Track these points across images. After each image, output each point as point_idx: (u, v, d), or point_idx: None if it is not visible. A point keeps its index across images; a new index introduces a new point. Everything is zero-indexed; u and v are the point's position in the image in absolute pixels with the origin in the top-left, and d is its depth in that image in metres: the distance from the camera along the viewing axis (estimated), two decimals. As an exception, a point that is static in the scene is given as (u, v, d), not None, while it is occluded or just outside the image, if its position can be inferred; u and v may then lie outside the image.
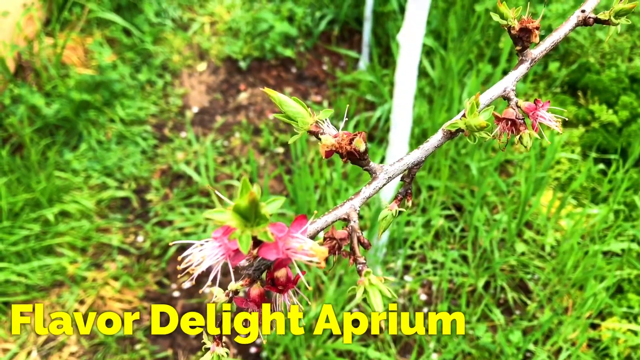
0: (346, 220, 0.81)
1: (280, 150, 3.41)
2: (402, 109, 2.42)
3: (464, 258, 2.87)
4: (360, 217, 2.89)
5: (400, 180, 0.86)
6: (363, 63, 3.74)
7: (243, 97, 3.70)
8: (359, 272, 0.76)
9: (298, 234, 0.71)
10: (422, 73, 3.56)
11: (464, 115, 0.83)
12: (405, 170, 0.84)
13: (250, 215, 0.67)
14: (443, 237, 2.93)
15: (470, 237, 2.87)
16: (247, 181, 0.67)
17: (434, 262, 2.85)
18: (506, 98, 0.88)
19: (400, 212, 0.86)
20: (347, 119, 3.33)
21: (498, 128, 0.87)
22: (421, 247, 2.89)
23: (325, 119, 0.83)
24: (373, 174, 0.83)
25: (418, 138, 3.16)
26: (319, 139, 0.82)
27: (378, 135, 3.33)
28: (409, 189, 0.86)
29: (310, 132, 0.82)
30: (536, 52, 0.91)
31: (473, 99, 0.82)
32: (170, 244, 0.91)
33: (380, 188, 0.83)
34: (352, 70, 3.79)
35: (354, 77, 3.67)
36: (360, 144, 0.81)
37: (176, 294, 2.77)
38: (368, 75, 3.55)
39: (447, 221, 2.98)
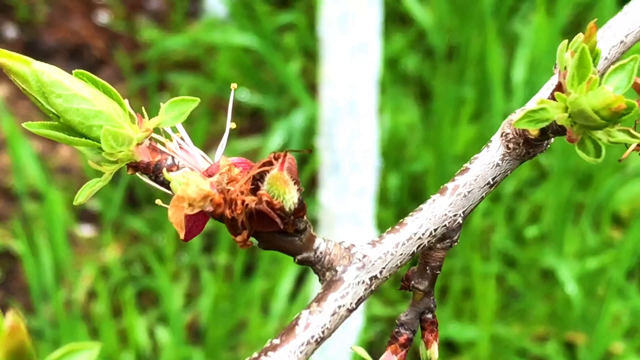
0: None
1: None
2: (352, 119, 1.02)
3: None
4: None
5: (402, 287, 0.34)
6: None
7: None
8: None
9: None
10: (398, 17, 1.58)
11: (559, 88, 0.30)
12: (411, 255, 0.31)
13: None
14: None
15: None
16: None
17: None
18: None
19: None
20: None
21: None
22: None
23: (177, 128, 0.31)
24: (326, 272, 0.31)
25: (399, 205, 1.36)
26: (164, 186, 0.30)
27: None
28: (430, 308, 0.33)
29: (136, 167, 0.31)
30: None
31: (582, 40, 0.30)
32: None
33: (346, 316, 0.30)
34: (188, 20, 1.66)
35: (194, 39, 1.57)
36: (285, 188, 0.29)
37: None
38: (234, 32, 1.52)
39: None
